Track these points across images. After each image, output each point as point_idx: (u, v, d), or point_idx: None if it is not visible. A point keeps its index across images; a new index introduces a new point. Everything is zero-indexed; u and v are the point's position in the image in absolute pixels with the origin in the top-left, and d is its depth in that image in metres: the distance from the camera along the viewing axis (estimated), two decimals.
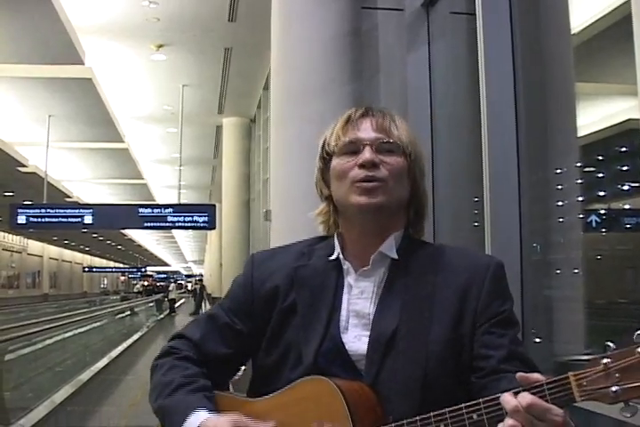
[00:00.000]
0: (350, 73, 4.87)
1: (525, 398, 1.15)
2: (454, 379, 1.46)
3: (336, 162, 1.59)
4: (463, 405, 1.24)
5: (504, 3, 3.64)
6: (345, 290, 1.58)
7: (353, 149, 1.56)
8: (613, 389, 1.11)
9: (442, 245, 1.67)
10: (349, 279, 1.59)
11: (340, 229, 1.65)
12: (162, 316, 31.56)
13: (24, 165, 21.22)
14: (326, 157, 1.63)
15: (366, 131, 1.58)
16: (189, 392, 1.52)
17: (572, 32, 3.63)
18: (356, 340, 1.53)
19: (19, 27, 10.85)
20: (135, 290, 40.31)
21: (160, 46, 12.36)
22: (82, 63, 12.71)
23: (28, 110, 16.37)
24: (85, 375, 11.01)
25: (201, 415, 1.45)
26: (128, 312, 22.99)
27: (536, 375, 1.19)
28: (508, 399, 1.18)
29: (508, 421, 1.16)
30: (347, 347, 1.52)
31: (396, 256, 1.57)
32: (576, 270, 3.44)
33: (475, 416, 1.23)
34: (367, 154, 1.54)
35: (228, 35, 11.64)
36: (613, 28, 3.79)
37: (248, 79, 14.17)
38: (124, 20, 11.16)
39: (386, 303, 1.53)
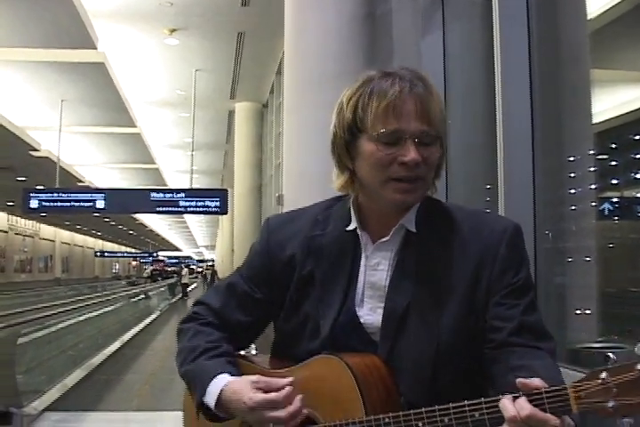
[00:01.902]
0: (364, 58, 4.85)
1: (524, 408, 1.16)
2: (467, 351, 1.47)
3: (371, 148, 1.46)
4: (466, 402, 1.25)
5: None
6: (362, 262, 1.57)
7: (393, 139, 1.44)
8: (610, 404, 1.11)
9: (458, 208, 1.61)
10: (366, 251, 1.58)
11: (357, 195, 1.59)
12: (174, 300, 31.76)
13: (37, 150, 21.28)
14: (355, 131, 1.49)
15: (409, 119, 1.44)
16: (213, 357, 1.57)
17: (588, 18, 3.60)
18: (372, 312, 1.54)
19: (32, 11, 10.84)
20: (145, 275, 40.50)
21: (173, 31, 12.34)
22: (95, 48, 12.71)
23: (40, 95, 16.39)
24: (98, 359, 11.23)
25: (224, 378, 1.50)
26: (142, 296, 23.19)
27: (536, 382, 1.19)
28: (506, 406, 1.18)
29: None
30: (362, 320, 1.54)
31: (414, 229, 1.54)
32: (588, 258, 3.42)
33: (477, 415, 1.24)
34: (412, 153, 1.42)
35: (240, 19, 11.60)
36: (630, 14, 3.76)
37: (261, 64, 14.14)
38: (138, 5, 11.14)
39: (400, 276, 1.53)
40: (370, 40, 4.95)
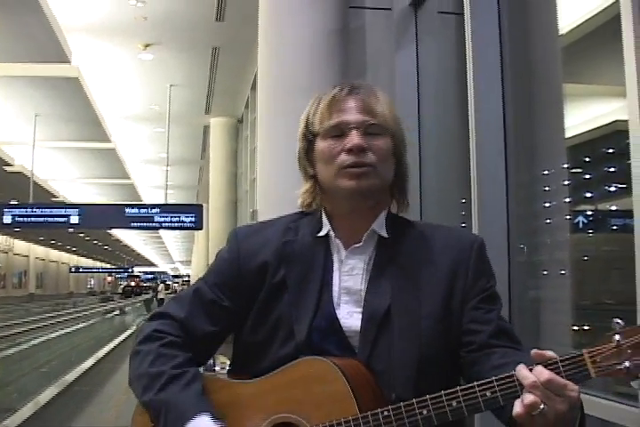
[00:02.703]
0: (338, 72, 4.85)
1: (543, 373, 1.17)
2: (446, 353, 1.49)
3: (322, 145, 1.56)
4: (475, 383, 1.26)
5: (492, 3, 3.63)
6: (335, 266, 1.58)
7: (339, 132, 1.53)
8: (626, 364, 1.14)
9: (425, 223, 1.69)
10: (339, 256, 1.58)
11: (325, 205, 1.62)
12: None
13: (10, 165, 21.16)
14: (310, 138, 1.59)
15: (351, 112, 1.54)
16: (183, 387, 1.49)
17: (560, 33, 3.63)
18: (349, 316, 1.53)
19: (5, 25, 10.79)
20: (120, 291, 40.31)
21: (147, 46, 12.30)
22: (68, 62, 12.66)
23: (14, 109, 16.29)
24: (71, 376, 11.14)
25: (205, 423, 1.42)
26: (117, 312, 23.12)
27: (549, 353, 1.21)
28: (525, 375, 1.19)
29: (529, 396, 1.17)
30: (340, 323, 1.53)
31: (385, 235, 1.57)
32: (562, 271, 3.43)
33: (488, 394, 1.24)
34: (355, 139, 1.50)
35: (215, 34, 11.59)
36: (601, 29, 3.79)
37: (236, 79, 14.12)
38: (112, 19, 11.09)
39: (376, 281, 1.54)
40: (344, 54, 4.96)
